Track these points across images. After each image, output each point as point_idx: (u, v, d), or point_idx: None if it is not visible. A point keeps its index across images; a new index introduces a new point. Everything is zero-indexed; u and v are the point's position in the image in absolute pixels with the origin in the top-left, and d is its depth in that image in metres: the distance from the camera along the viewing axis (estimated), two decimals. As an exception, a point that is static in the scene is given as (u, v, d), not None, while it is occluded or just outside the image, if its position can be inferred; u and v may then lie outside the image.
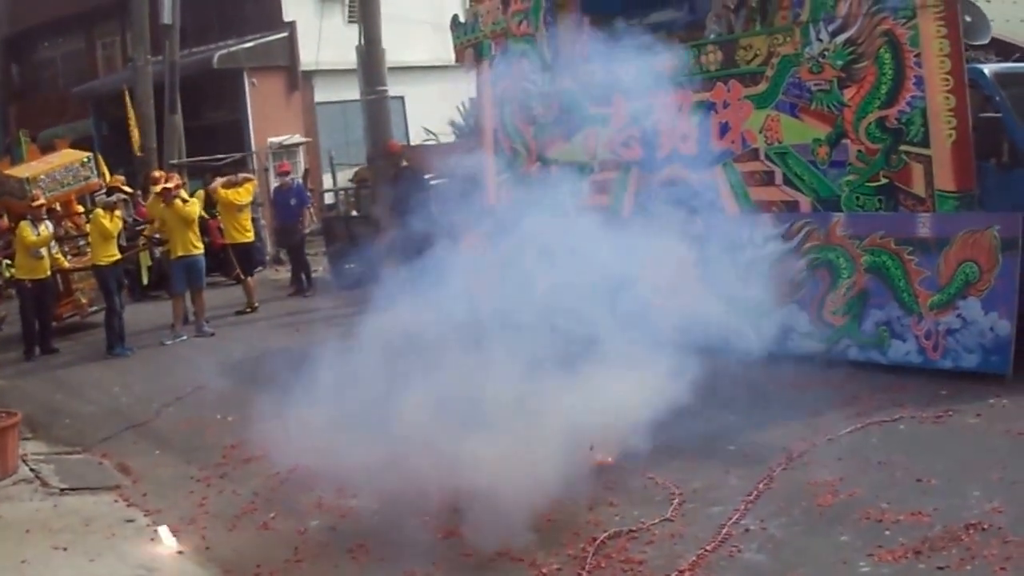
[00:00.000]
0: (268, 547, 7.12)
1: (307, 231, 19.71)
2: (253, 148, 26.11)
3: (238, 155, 25.16)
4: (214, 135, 25.90)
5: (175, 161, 22.44)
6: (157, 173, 18.28)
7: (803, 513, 6.64)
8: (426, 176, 16.34)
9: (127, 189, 18.50)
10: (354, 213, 19.60)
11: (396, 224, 15.41)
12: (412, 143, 23.29)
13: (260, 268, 20.46)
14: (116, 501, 8.39)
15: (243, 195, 16.85)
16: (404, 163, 16.22)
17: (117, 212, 15.08)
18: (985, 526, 6.05)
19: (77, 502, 8.44)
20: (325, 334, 13.80)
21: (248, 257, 17.53)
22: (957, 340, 9.14)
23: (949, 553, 5.80)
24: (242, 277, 16.95)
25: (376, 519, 7.28)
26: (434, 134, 24.43)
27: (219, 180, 17.67)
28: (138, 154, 23.10)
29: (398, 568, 6.50)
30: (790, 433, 8.13)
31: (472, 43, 14.17)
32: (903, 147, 9.65)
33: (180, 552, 7.27)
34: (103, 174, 18.42)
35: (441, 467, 6.75)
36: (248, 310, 16.69)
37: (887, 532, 6.18)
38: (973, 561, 5.68)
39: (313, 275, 18.81)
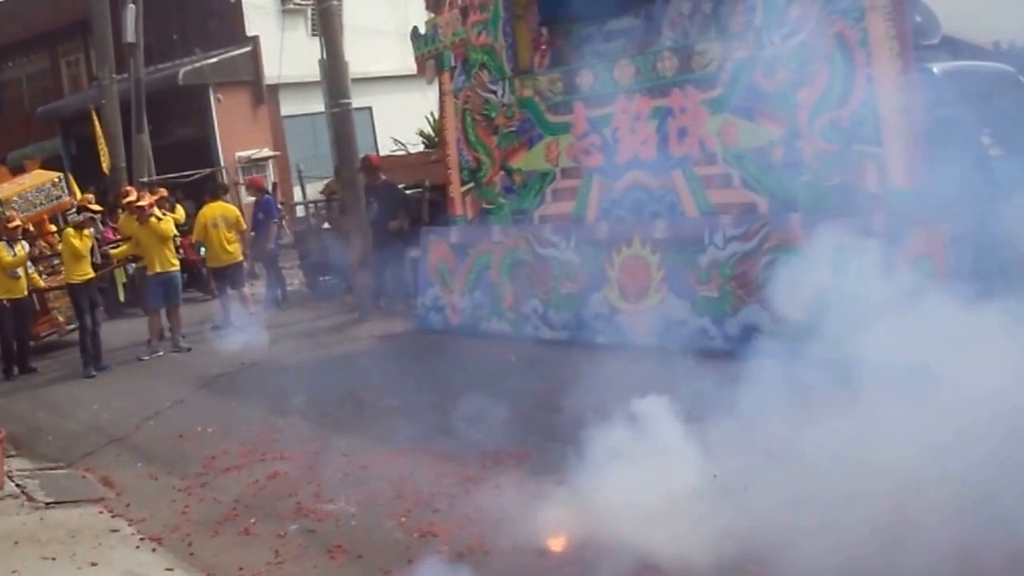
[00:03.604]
0: (250, 550, 7.31)
1: (273, 244, 19.74)
2: (222, 163, 26.24)
3: (207, 171, 25.29)
4: (182, 151, 26.04)
5: (144, 179, 22.49)
6: (128, 189, 18.38)
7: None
8: (400, 187, 16.50)
9: (95, 207, 18.56)
10: (325, 226, 19.73)
11: (379, 236, 15.68)
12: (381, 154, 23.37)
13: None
14: (101, 512, 8.56)
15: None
16: (383, 176, 16.29)
17: (87, 231, 15.17)
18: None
19: (63, 515, 8.60)
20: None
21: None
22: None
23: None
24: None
25: (354, 521, 7.55)
26: (403, 144, 24.54)
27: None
28: (106, 173, 23.18)
29: (375, 567, 6.73)
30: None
31: (432, 54, 14.36)
32: (856, 146, 9.80)
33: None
34: (74, 193, 18.62)
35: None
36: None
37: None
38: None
39: (288, 288, 18.96)
